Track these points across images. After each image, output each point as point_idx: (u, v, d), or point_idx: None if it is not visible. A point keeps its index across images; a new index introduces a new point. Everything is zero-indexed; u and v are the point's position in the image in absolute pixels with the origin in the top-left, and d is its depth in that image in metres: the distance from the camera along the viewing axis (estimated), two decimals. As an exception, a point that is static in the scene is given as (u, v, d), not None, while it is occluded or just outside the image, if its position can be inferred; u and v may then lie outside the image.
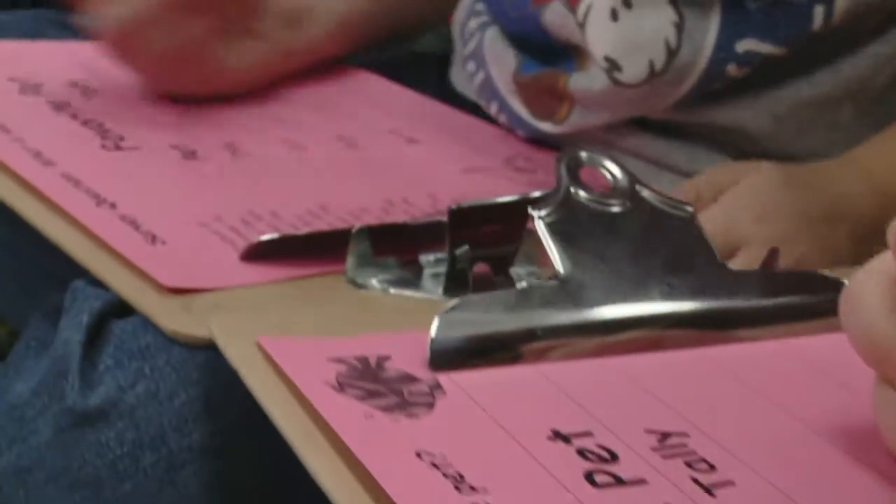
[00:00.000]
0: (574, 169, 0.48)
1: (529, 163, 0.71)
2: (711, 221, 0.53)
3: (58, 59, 0.75)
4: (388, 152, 0.70)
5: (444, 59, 0.88)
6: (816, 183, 0.60)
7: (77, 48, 0.78)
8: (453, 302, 0.43)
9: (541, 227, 0.46)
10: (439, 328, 0.42)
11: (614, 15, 0.65)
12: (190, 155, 0.64)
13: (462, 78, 0.81)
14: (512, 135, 0.74)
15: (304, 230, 0.56)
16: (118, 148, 0.63)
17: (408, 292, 0.52)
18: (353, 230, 0.52)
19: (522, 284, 0.49)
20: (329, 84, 0.79)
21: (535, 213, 0.46)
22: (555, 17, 0.69)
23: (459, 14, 0.81)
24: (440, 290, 0.52)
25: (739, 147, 0.67)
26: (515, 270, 0.50)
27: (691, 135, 0.68)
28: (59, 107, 0.67)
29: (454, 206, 0.52)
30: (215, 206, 0.58)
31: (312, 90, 0.78)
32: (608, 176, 0.49)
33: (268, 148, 0.67)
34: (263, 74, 0.74)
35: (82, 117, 0.66)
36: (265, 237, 0.53)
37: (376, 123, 0.74)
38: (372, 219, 0.60)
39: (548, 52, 0.71)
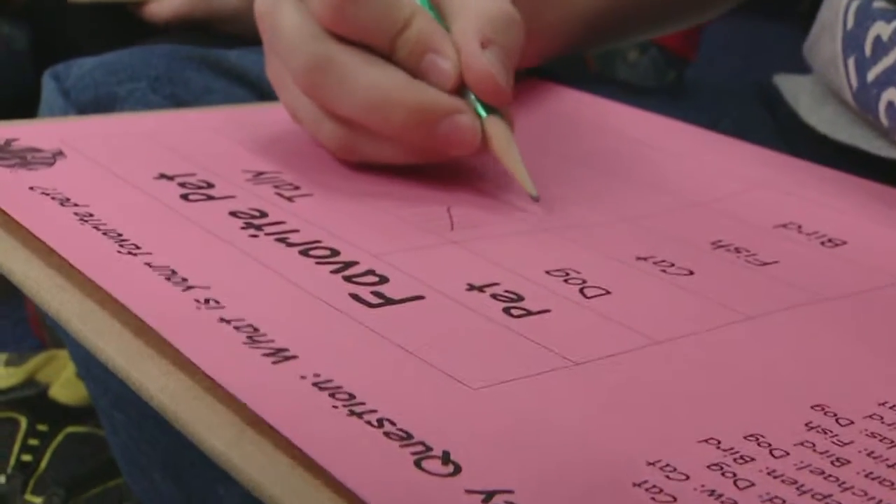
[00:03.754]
0: None
1: None
2: None
3: (220, 139, 0.46)
4: (808, 271, 0.39)
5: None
6: None
7: (237, 115, 0.49)
8: None
9: None
10: None
11: None
12: (515, 302, 0.34)
13: (841, 118, 0.51)
14: None
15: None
16: (386, 299, 0.33)
17: None
18: None
19: None
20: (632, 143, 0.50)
21: None
22: None
23: (832, 18, 0.51)
24: None
25: None
26: None
27: None
28: (257, 229, 0.38)
29: None
30: (674, 419, 0.28)
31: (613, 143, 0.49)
32: None
33: (627, 272, 0.37)
34: None
35: (316, 254, 0.36)
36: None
37: (752, 214, 0.44)
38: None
39: None
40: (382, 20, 0.42)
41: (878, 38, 0.47)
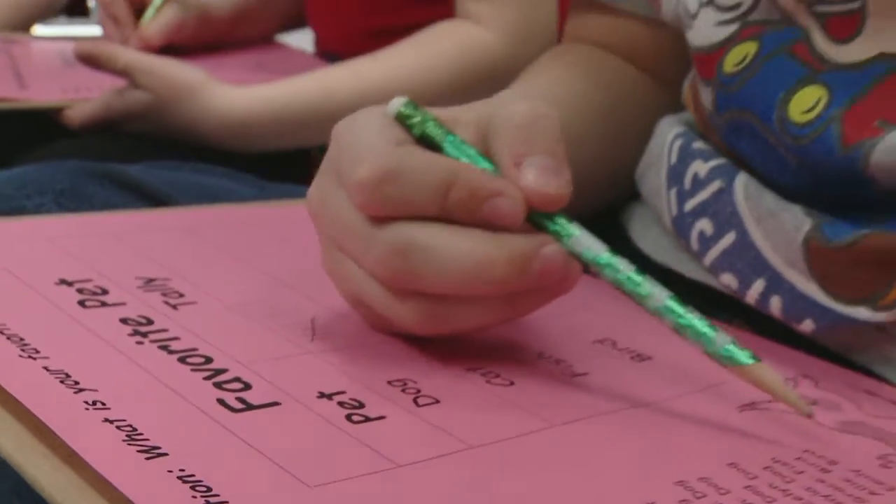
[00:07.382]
0: None
1: (829, 386, 0.48)
2: None
3: (117, 245, 0.52)
4: (615, 382, 0.47)
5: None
6: None
7: (135, 220, 0.55)
8: None
9: None
10: None
11: None
12: (356, 409, 0.41)
13: (663, 240, 0.58)
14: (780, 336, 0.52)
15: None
16: (247, 405, 0.40)
17: None
18: None
19: None
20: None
21: None
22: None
23: (658, 152, 0.59)
24: None
25: None
26: None
27: None
28: (143, 336, 0.44)
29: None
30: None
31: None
32: None
33: (457, 383, 0.44)
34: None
35: (192, 361, 0.43)
36: None
37: (575, 331, 0.51)
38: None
39: (862, 208, 0.49)
40: (424, 187, 0.40)
41: (696, 175, 0.55)
